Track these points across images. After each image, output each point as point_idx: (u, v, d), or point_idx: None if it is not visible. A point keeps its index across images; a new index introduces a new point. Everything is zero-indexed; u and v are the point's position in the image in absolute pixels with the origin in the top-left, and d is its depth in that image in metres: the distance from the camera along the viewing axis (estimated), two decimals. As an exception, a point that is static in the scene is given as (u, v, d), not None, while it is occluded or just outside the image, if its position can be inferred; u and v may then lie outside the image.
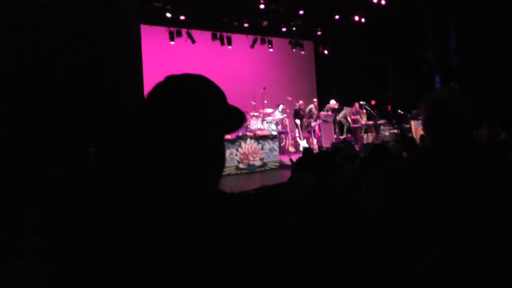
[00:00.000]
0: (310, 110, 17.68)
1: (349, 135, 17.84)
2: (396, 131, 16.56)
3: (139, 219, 1.21)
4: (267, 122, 14.98)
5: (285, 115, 16.58)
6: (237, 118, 1.40)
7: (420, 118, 14.58)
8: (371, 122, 17.40)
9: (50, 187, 3.05)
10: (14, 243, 2.60)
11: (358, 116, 17.73)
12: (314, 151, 11.76)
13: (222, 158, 1.37)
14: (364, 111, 18.15)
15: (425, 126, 2.48)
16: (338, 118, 18.12)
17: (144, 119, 1.32)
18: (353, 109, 17.89)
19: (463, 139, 2.32)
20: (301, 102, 17.79)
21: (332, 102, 18.11)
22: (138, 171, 1.32)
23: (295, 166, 6.38)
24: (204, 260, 1.17)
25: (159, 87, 1.36)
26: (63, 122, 5.12)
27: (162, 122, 1.27)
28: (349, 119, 17.89)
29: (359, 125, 17.53)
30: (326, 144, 16.14)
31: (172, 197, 1.24)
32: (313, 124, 17.12)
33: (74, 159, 3.05)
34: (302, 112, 17.50)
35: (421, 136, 11.57)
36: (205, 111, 1.30)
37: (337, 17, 18.17)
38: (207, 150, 1.30)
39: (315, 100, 18.51)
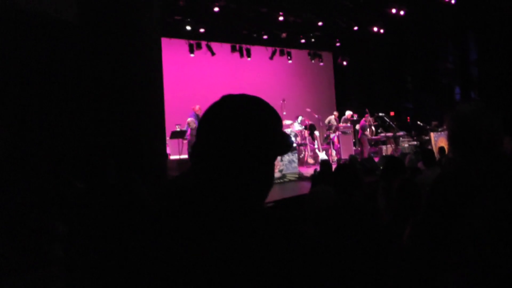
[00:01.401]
0: (329, 122, 17.67)
1: (371, 148, 17.71)
2: (415, 142, 16.45)
3: (186, 232, 1.27)
4: (286, 134, 14.93)
5: (303, 127, 16.54)
6: (288, 143, 1.45)
7: (440, 130, 14.52)
8: (390, 134, 17.29)
9: (74, 200, 3.11)
10: (42, 252, 2.67)
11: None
12: (333, 163, 11.74)
13: (271, 178, 1.42)
14: (375, 123, 17.90)
15: (450, 142, 2.45)
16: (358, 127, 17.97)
17: (200, 136, 1.39)
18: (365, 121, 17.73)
19: (492, 155, 2.29)
20: (318, 115, 17.81)
21: (348, 113, 18.01)
22: (191, 185, 1.38)
23: (315, 179, 6.40)
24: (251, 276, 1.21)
25: (217, 106, 1.41)
26: (86, 135, 5.19)
27: (218, 140, 1.33)
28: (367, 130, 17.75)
29: (370, 137, 17.34)
30: (345, 156, 16.09)
31: (221, 213, 1.29)
32: (332, 135, 17.09)
33: (95, 172, 3.11)
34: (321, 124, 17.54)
35: (440, 148, 11.48)
36: (262, 132, 1.35)
37: (355, 28, 18.18)
38: (259, 170, 1.36)
39: (335, 112, 18.47)
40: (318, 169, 9.80)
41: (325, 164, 8.80)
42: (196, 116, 14.45)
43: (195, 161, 1.39)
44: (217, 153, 1.32)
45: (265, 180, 1.39)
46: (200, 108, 14.71)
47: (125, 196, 3.11)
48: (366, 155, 15.81)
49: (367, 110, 17.46)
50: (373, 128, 17.42)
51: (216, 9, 14.61)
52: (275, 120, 1.42)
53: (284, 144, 1.42)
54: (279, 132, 1.42)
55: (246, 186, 1.34)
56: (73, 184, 3.47)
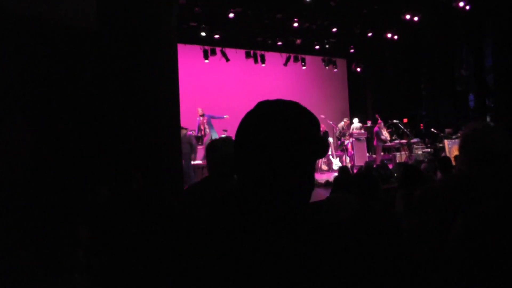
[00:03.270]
0: (343, 128, 17.66)
1: (374, 155, 17.67)
2: (429, 150, 16.37)
3: (241, 240, 1.28)
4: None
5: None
6: (326, 145, 1.46)
7: (453, 137, 14.46)
8: (404, 141, 17.22)
9: (98, 207, 3.12)
10: (65, 258, 2.67)
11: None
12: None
13: (313, 180, 1.43)
14: (389, 130, 17.85)
15: (460, 155, 2.53)
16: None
17: (240, 144, 1.40)
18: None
19: (496, 169, 2.32)
20: (331, 122, 17.78)
21: (355, 121, 17.94)
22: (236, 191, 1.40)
23: (334, 186, 6.36)
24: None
25: (254, 113, 1.42)
26: (109, 142, 5.23)
27: (259, 147, 1.34)
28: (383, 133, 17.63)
29: (384, 144, 17.29)
30: (359, 163, 16.05)
31: (271, 219, 1.32)
32: (346, 142, 17.06)
33: (120, 179, 3.12)
34: (335, 131, 17.51)
35: (456, 156, 11.40)
36: (302, 136, 1.36)
37: (369, 34, 18.15)
38: (301, 174, 1.37)
39: (346, 119, 18.44)
40: (334, 175, 9.79)
41: (344, 170, 8.75)
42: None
43: (237, 169, 1.41)
44: (258, 160, 1.33)
45: (308, 183, 1.40)
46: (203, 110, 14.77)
47: (154, 204, 3.12)
48: (378, 161, 15.75)
49: (377, 116, 17.42)
50: (384, 132, 17.31)
51: (231, 15, 14.65)
52: (313, 123, 1.43)
53: (322, 147, 1.43)
54: (317, 135, 1.43)
55: (290, 191, 1.35)
56: (98, 190, 3.48)
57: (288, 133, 1.34)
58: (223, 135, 11.99)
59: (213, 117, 14.97)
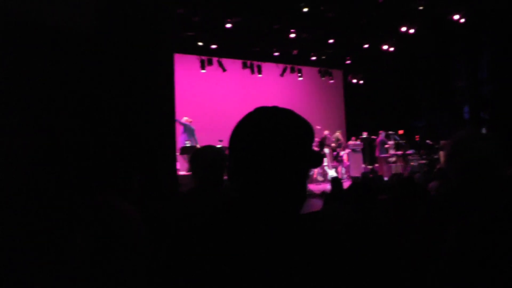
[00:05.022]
0: (338, 139, 17.70)
1: (376, 165, 17.71)
2: (424, 161, 16.40)
3: (234, 249, 1.27)
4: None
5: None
6: (320, 155, 1.45)
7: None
8: (400, 152, 17.25)
9: (94, 213, 3.09)
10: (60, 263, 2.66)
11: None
12: (342, 181, 11.69)
13: (305, 190, 1.42)
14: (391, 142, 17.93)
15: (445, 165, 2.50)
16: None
17: (234, 150, 1.39)
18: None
19: (484, 180, 2.28)
20: (326, 132, 17.77)
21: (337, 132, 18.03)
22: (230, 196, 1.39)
23: (328, 196, 6.37)
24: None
25: (249, 120, 1.40)
26: (105, 150, 5.21)
27: (252, 154, 1.32)
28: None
29: (387, 155, 17.33)
30: (355, 174, 16.05)
31: (264, 227, 1.30)
32: (342, 153, 17.06)
33: (118, 188, 3.10)
34: (327, 141, 17.48)
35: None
36: (296, 145, 1.35)
37: (366, 46, 18.20)
38: (295, 182, 1.36)
39: (339, 131, 18.51)
40: (328, 186, 9.78)
41: (335, 181, 8.77)
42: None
43: (230, 176, 1.39)
44: (251, 167, 1.32)
45: (300, 192, 1.38)
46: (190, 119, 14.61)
47: (150, 213, 3.11)
48: (381, 172, 15.78)
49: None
50: (389, 142, 17.38)
51: (228, 25, 14.66)
52: (308, 132, 1.41)
53: (317, 157, 1.42)
54: (311, 145, 1.42)
55: (282, 199, 1.34)
56: (94, 196, 3.46)
57: (282, 141, 1.32)
58: (209, 145, 11.95)
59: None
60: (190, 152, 13.51)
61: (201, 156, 3.10)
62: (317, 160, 1.42)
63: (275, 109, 1.42)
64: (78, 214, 3.34)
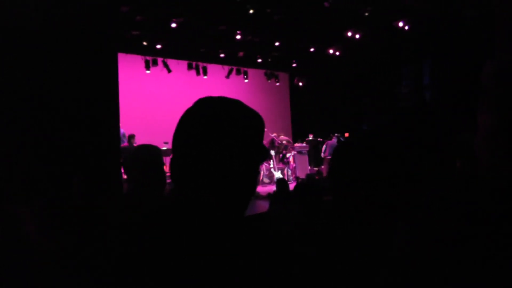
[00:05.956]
0: (282, 142, 17.79)
1: (322, 167, 17.87)
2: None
3: (170, 247, 1.14)
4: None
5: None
6: (267, 151, 1.35)
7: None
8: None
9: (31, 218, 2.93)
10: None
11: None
12: (289, 183, 11.73)
13: (253, 186, 1.30)
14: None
15: None
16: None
17: (177, 141, 1.27)
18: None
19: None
20: (274, 134, 17.82)
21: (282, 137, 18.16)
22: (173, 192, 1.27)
23: (273, 198, 6.32)
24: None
25: (194, 109, 1.30)
26: (45, 151, 5.01)
27: (195, 145, 1.21)
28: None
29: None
30: (301, 175, 16.14)
31: (205, 225, 1.18)
32: (288, 155, 17.13)
33: (57, 190, 2.95)
34: (276, 144, 17.54)
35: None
36: (245, 136, 1.25)
37: (312, 49, 18.34)
38: (241, 177, 1.24)
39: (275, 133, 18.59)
40: (274, 188, 9.76)
41: (281, 182, 8.74)
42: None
43: (172, 175, 1.27)
44: (196, 162, 1.20)
45: (249, 189, 1.28)
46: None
47: (93, 214, 2.95)
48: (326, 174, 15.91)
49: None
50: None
51: (173, 25, 14.46)
52: (258, 123, 1.31)
53: (264, 151, 1.32)
54: (261, 138, 1.32)
55: (230, 197, 1.23)
56: (30, 201, 3.29)
57: (231, 132, 1.22)
58: (144, 144, 11.77)
59: None
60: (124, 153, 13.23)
61: (136, 157, 2.92)
62: (266, 154, 1.33)
63: (222, 99, 1.33)
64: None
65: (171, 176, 1.28)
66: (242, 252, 1.16)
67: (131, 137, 14.10)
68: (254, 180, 1.30)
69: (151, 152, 2.94)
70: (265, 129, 10.24)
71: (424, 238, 1.62)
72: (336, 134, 17.74)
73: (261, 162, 1.32)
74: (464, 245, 1.40)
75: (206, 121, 1.23)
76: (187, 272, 1.10)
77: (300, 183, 4.83)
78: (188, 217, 1.19)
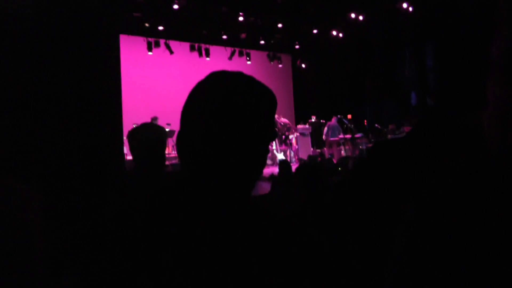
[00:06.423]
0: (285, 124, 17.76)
1: (324, 148, 17.85)
2: (371, 145, 16.60)
3: (179, 229, 1.14)
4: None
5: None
6: (275, 130, 1.32)
7: (396, 133, 14.75)
8: (348, 136, 17.43)
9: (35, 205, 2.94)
10: None
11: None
12: (291, 164, 11.72)
13: (261, 165, 1.28)
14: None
15: None
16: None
17: (187, 117, 1.24)
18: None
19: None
20: (276, 115, 17.78)
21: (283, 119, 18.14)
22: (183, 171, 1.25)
23: (276, 180, 6.32)
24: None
25: (205, 84, 1.26)
26: (38, 137, 4.99)
27: (206, 120, 1.18)
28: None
29: (336, 138, 17.49)
30: (303, 157, 16.14)
31: (212, 205, 1.18)
32: (290, 137, 17.12)
33: (54, 177, 2.95)
34: (278, 125, 17.52)
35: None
36: (258, 113, 1.22)
37: (315, 31, 18.23)
38: (249, 156, 1.22)
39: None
40: (277, 170, 9.76)
41: (283, 164, 8.71)
42: None
43: (179, 151, 1.25)
44: (205, 137, 1.18)
45: (255, 167, 1.25)
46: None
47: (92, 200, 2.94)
48: (327, 155, 15.90)
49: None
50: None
51: (175, 6, 14.38)
52: (272, 100, 1.28)
53: (274, 131, 1.30)
54: (273, 117, 1.29)
55: (238, 177, 1.21)
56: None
57: (243, 108, 1.19)
58: (146, 123, 11.75)
59: None
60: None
61: (139, 136, 2.87)
62: (276, 133, 1.31)
63: (235, 74, 1.27)
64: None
65: (177, 152, 1.26)
66: (250, 231, 1.17)
67: (154, 119, 14.17)
68: (263, 159, 1.27)
69: (156, 132, 2.90)
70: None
71: (433, 215, 1.61)
72: (338, 116, 17.68)
73: (271, 141, 1.30)
74: (475, 222, 1.39)
75: (219, 96, 1.20)
76: (193, 250, 1.10)
77: (302, 164, 4.81)
78: (194, 195, 1.19)
